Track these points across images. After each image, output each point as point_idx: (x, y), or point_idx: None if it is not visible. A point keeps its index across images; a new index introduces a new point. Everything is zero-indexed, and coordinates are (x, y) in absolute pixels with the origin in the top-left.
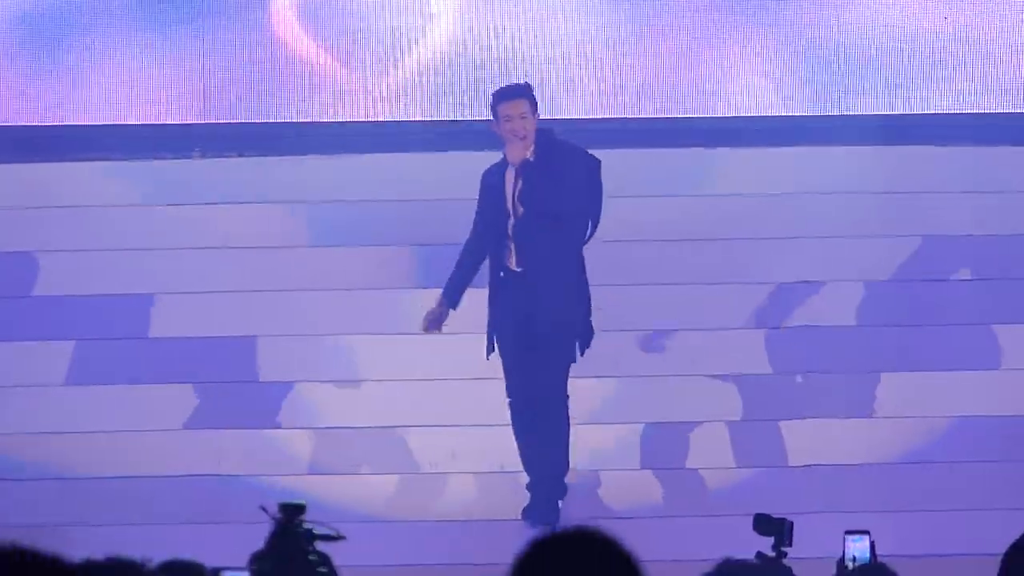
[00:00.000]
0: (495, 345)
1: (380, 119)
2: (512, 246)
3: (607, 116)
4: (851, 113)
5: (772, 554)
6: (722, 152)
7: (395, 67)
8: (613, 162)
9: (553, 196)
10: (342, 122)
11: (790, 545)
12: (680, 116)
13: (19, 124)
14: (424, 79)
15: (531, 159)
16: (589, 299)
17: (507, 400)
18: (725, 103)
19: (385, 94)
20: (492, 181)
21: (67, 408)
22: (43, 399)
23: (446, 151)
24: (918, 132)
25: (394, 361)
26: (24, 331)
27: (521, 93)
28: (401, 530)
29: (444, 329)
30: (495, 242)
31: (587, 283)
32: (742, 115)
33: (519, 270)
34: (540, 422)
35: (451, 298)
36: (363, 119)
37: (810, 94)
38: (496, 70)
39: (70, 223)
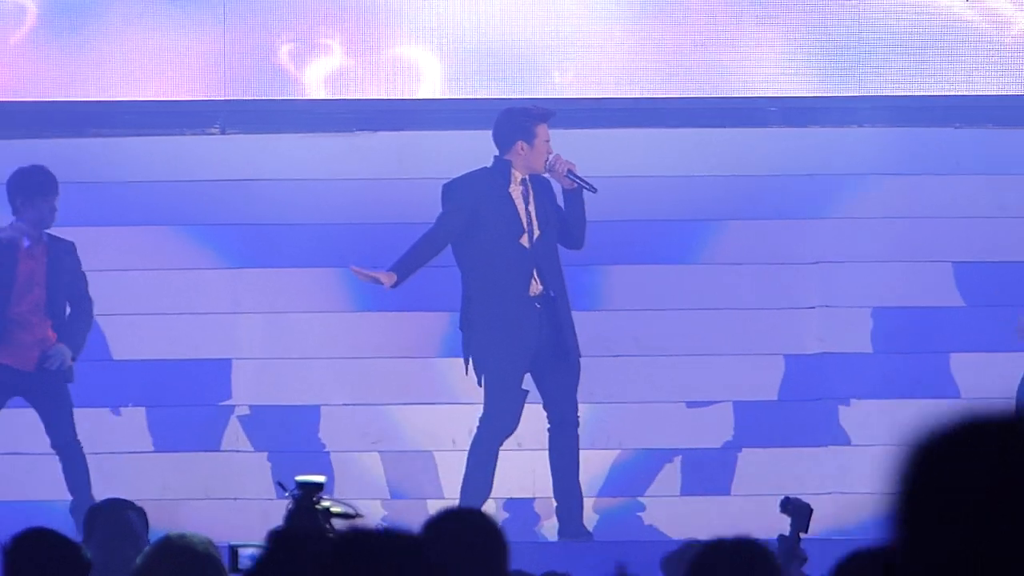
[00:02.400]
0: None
1: (399, 96)
2: (535, 270)
3: (625, 96)
4: (872, 94)
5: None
6: (744, 132)
7: (415, 46)
8: (631, 142)
9: (557, 217)
10: (365, 99)
11: (806, 531)
12: (699, 96)
13: (38, 99)
14: (447, 58)
15: (536, 181)
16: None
17: (547, 426)
18: (745, 83)
19: (407, 72)
20: (487, 194)
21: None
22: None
23: (469, 129)
24: (938, 114)
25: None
26: None
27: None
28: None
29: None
30: (504, 264)
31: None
32: (763, 95)
33: (550, 294)
34: (575, 442)
35: (399, 272)
36: (384, 97)
37: (831, 74)
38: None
39: (88, 198)
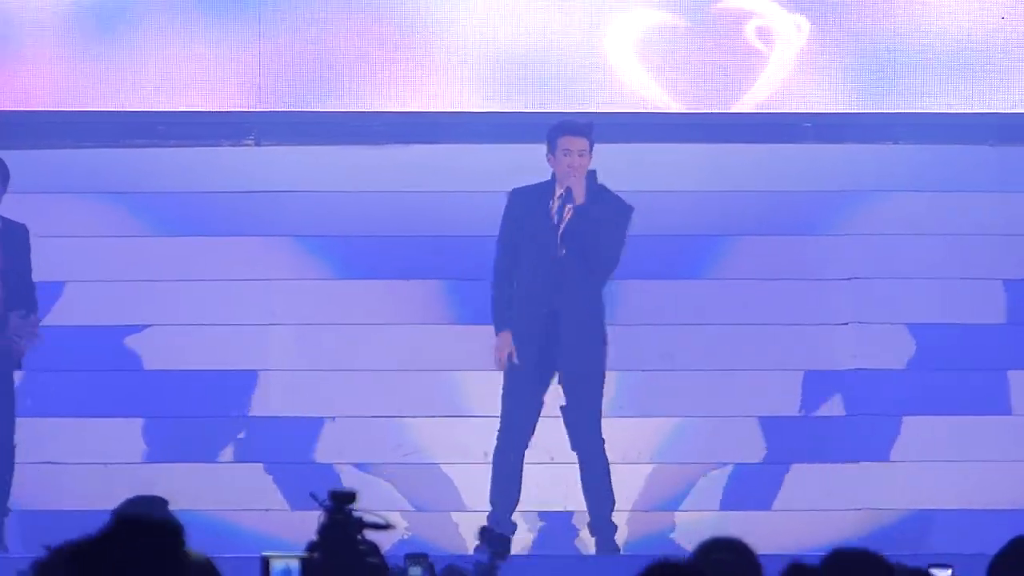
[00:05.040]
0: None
1: (436, 110)
2: (559, 285)
3: (656, 111)
4: (906, 111)
5: None
6: (779, 148)
7: (449, 59)
8: (666, 156)
9: (593, 241)
10: (398, 112)
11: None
12: (734, 112)
13: (73, 110)
14: (480, 71)
15: (582, 201)
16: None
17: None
18: (780, 99)
19: (441, 85)
20: (533, 208)
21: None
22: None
23: (502, 142)
24: (973, 131)
25: None
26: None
27: (585, 131)
28: None
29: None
30: (530, 277)
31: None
32: (798, 111)
33: (571, 309)
34: (599, 459)
35: (507, 324)
36: (418, 110)
37: (866, 91)
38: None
39: (122, 208)
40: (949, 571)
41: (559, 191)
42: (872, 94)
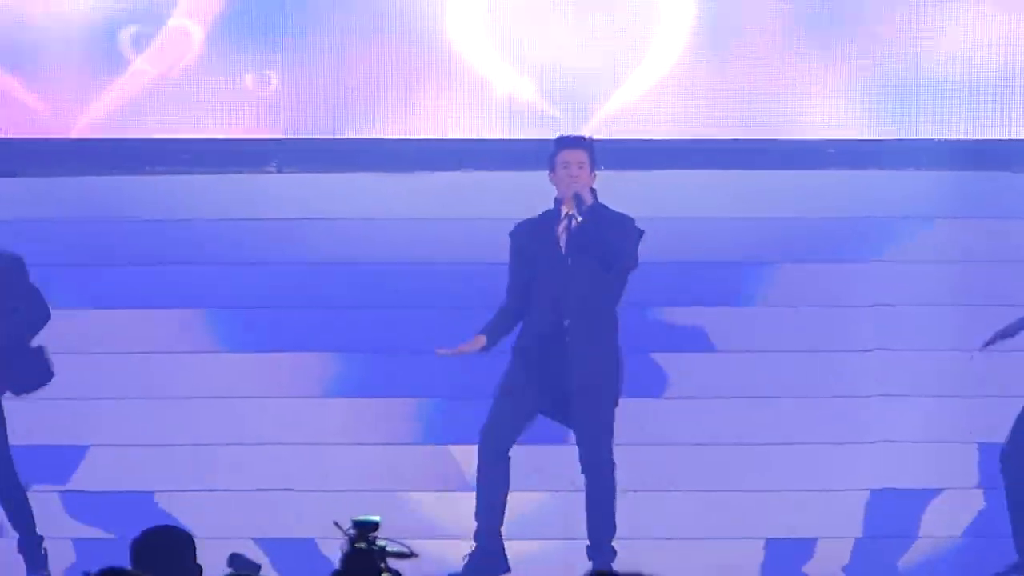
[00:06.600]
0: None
1: (455, 136)
2: (566, 304)
3: (683, 137)
4: (930, 137)
5: None
6: (802, 174)
7: (469, 87)
8: (688, 183)
9: (604, 247)
10: (421, 139)
11: None
12: (757, 138)
13: (96, 137)
14: (500, 100)
15: (583, 216)
16: (619, 360)
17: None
18: (803, 126)
19: (462, 112)
20: (539, 235)
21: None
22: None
23: (522, 169)
24: (996, 157)
25: None
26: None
27: (582, 144)
28: None
29: None
30: (539, 295)
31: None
32: (821, 138)
33: (578, 329)
34: (606, 483)
35: (486, 331)
36: (439, 137)
37: (889, 117)
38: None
39: (144, 235)
40: None
41: (565, 211)
42: (895, 121)
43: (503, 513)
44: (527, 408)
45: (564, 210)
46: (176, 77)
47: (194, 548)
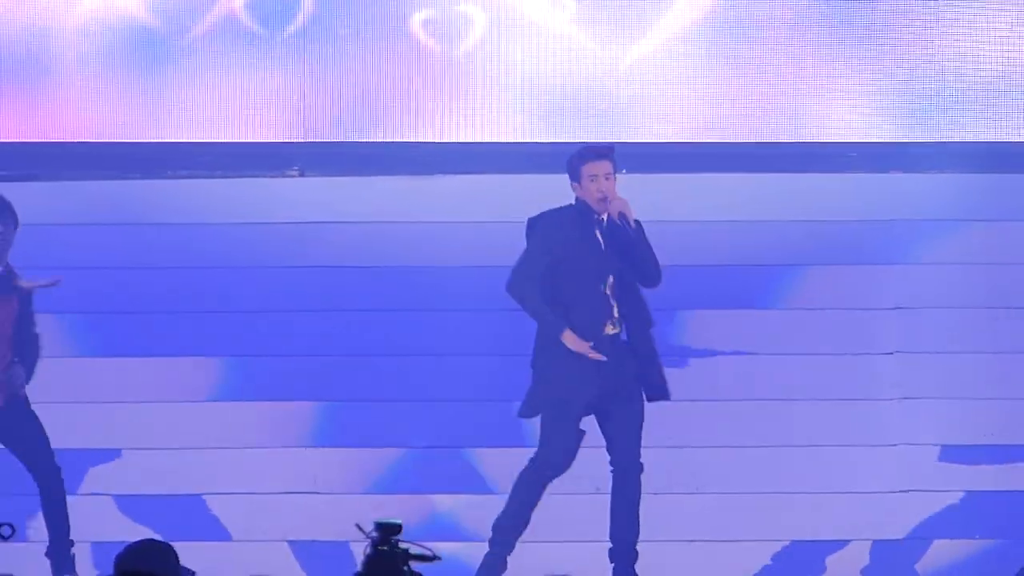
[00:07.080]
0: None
1: (479, 140)
2: (612, 313)
3: (705, 140)
4: (952, 139)
5: None
6: (824, 177)
7: (491, 89)
8: (711, 186)
9: (646, 260)
10: (442, 142)
11: None
12: (779, 141)
13: (118, 141)
14: (525, 102)
15: (635, 217)
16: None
17: (611, 469)
18: (825, 129)
19: (485, 115)
20: (574, 233)
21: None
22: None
23: (546, 173)
24: (1019, 160)
25: None
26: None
27: (607, 154)
28: None
29: None
30: (582, 306)
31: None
32: (843, 140)
33: (623, 337)
34: (635, 487)
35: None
36: (460, 140)
37: (911, 120)
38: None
39: (166, 239)
40: None
41: (600, 217)
42: (917, 123)
43: (524, 528)
44: (575, 439)
45: (600, 216)
46: (200, 82)
47: (177, 559)
